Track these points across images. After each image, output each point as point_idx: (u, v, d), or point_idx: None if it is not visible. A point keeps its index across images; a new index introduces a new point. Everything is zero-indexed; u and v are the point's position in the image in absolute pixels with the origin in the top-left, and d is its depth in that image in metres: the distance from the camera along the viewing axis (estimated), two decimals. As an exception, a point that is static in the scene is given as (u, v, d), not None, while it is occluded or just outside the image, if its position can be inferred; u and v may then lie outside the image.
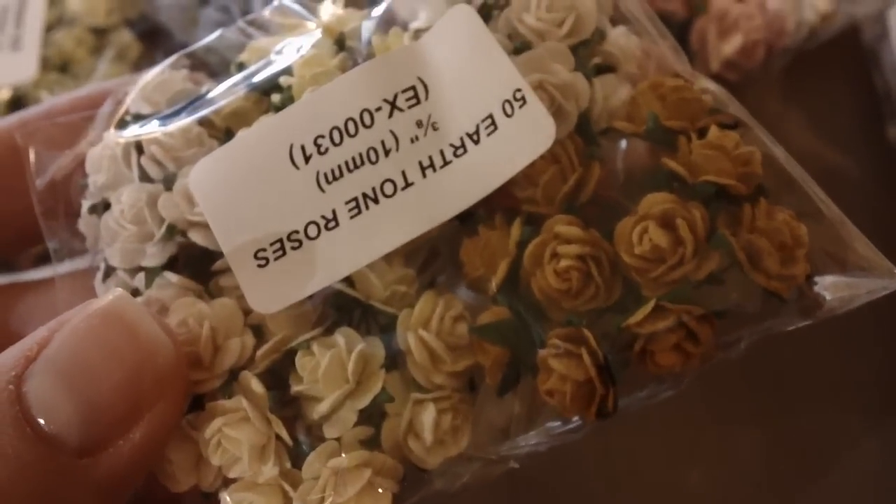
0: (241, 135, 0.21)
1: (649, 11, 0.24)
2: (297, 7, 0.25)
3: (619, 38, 0.23)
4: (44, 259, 0.29)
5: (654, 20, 0.24)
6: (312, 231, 0.20)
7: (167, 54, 0.25)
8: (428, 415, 0.20)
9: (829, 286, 0.20)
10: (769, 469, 0.31)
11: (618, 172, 0.22)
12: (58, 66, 0.41)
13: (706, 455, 0.32)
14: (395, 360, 0.21)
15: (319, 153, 0.20)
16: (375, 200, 0.20)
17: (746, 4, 0.38)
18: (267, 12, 0.25)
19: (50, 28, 0.42)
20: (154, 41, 0.42)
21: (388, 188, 0.20)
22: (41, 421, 0.17)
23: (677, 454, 0.31)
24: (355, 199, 0.20)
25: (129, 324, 0.18)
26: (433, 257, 0.22)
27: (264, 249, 0.20)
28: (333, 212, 0.20)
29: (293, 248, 0.20)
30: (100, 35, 0.42)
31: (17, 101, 0.39)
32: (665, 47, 0.24)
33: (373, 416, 0.20)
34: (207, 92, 0.24)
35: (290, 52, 0.24)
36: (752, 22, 0.38)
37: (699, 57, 0.38)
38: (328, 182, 0.20)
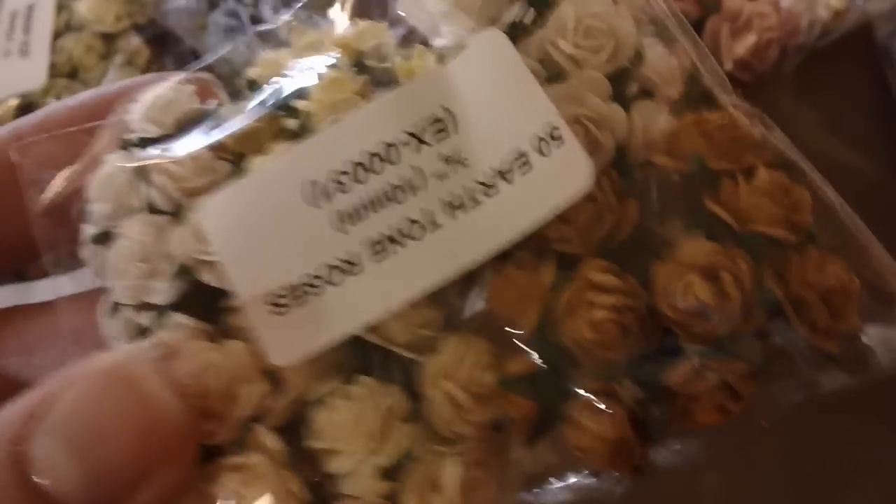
0: (256, 170, 0.20)
1: (679, 17, 0.23)
2: (309, 18, 0.24)
3: (657, 61, 0.21)
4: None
5: (684, 27, 0.23)
6: (334, 276, 0.19)
7: (176, 59, 0.24)
8: (452, 470, 0.19)
9: (879, 339, 0.19)
10: (788, 476, 0.31)
11: (653, 201, 0.21)
12: (67, 73, 0.40)
13: (723, 462, 0.31)
14: (417, 408, 0.20)
15: (341, 191, 0.19)
16: (401, 243, 0.19)
17: (759, 3, 0.37)
18: (279, 24, 0.24)
19: (58, 34, 0.41)
20: (163, 46, 0.41)
21: (415, 230, 0.19)
22: (45, 482, 0.17)
23: (694, 460, 0.31)
24: (380, 241, 0.19)
25: (138, 386, 0.17)
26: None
27: (283, 296, 0.19)
28: (356, 255, 0.19)
29: (314, 295, 0.19)
30: (108, 41, 0.41)
31: (27, 108, 0.38)
32: (696, 58, 0.23)
33: (394, 470, 0.19)
34: (216, 111, 0.23)
35: (305, 70, 0.22)
36: (765, 21, 0.36)
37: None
38: (351, 223, 0.19)
